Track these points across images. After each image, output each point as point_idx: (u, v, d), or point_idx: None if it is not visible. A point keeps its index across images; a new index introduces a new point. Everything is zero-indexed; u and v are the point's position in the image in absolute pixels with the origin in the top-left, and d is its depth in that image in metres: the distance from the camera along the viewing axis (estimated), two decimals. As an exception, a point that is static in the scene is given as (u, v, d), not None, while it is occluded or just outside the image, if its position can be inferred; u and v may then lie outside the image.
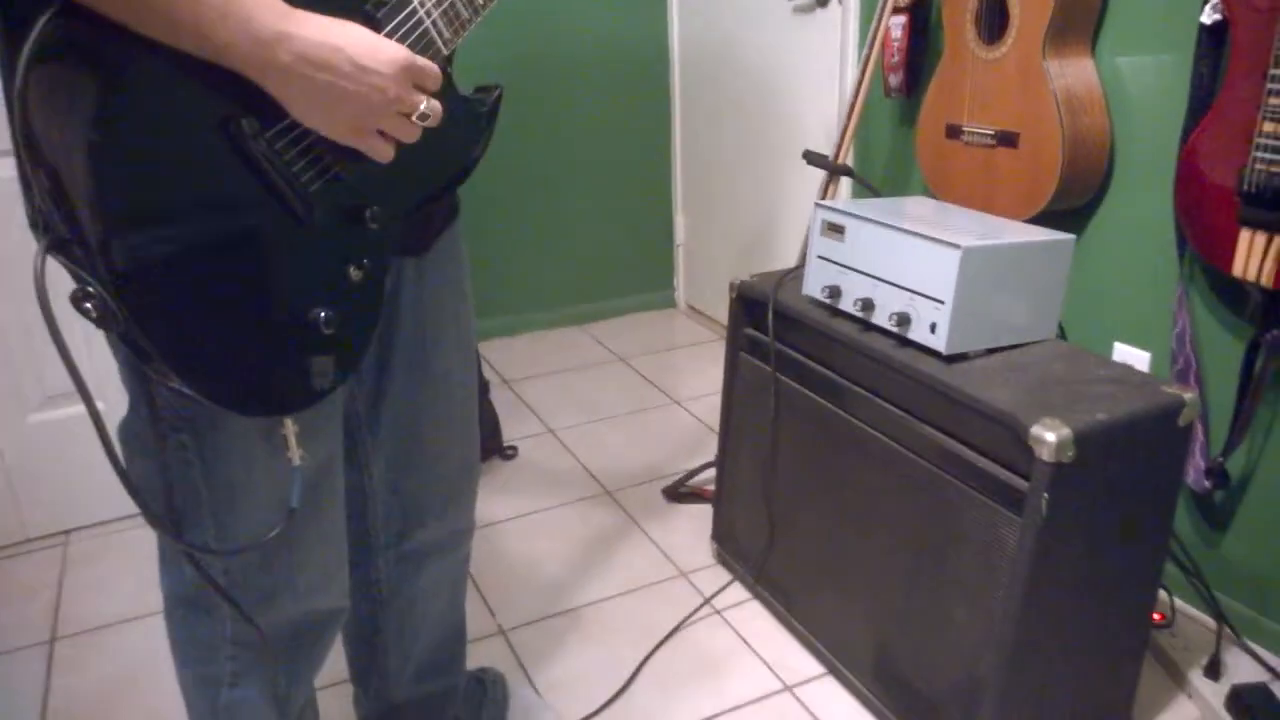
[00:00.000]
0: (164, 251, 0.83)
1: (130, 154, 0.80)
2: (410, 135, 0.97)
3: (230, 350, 0.90)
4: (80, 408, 2.17)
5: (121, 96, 0.80)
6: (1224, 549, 1.87)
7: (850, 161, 2.51)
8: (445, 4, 1.00)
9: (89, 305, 0.81)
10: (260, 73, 0.86)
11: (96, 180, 0.79)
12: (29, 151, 0.80)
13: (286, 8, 0.86)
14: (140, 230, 0.82)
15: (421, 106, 0.95)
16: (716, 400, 2.11)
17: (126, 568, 2.18)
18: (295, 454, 1.05)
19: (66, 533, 2.33)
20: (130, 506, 2.30)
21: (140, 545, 2.27)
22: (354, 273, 0.99)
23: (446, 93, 1.01)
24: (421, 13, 0.98)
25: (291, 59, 0.86)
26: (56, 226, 0.82)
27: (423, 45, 0.99)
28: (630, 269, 3.76)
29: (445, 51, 1.02)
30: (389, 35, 0.96)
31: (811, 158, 2.17)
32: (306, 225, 0.94)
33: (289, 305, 0.94)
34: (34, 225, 0.86)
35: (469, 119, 1.07)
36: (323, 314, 0.95)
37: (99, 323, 0.82)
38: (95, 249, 0.80)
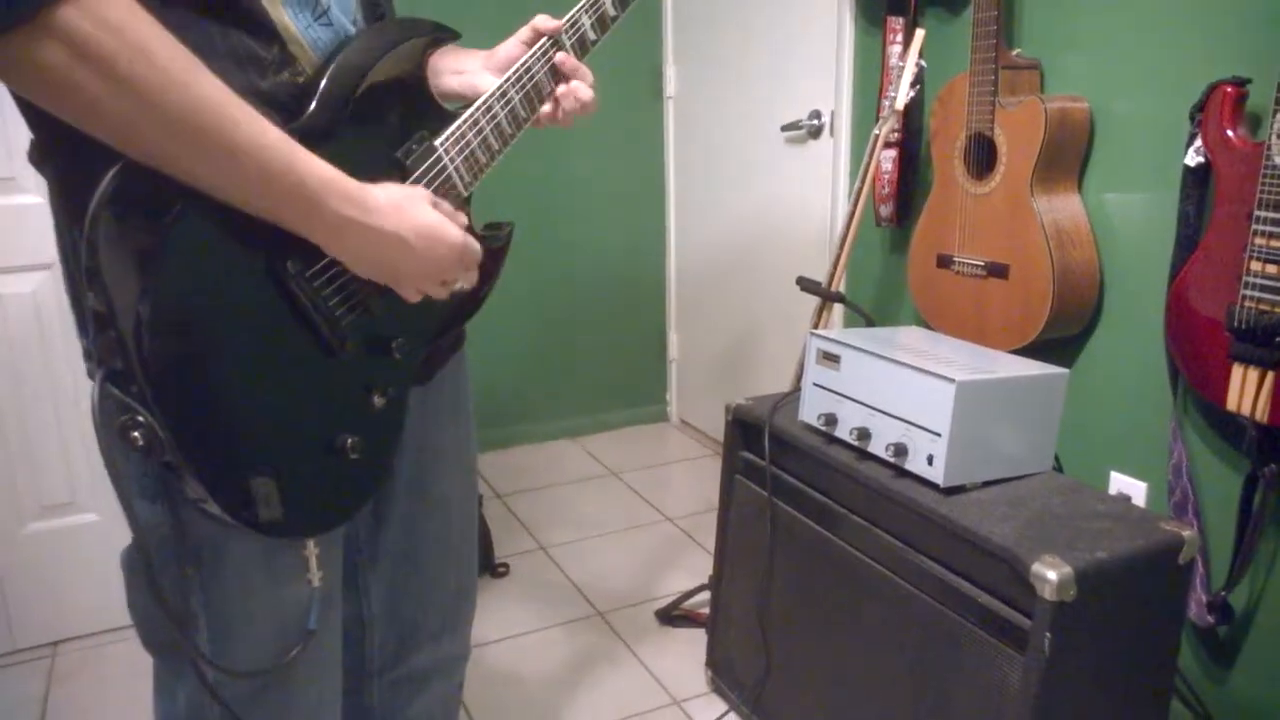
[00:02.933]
0: (213, 383, 0.87)
1: (182, 295, 0.84)
2: (441, 296, 1.04)
3: (268, 478, 0.93)
4: (76, 518, 2.22)
5: (176, 242, 0.84)
6: (1231, 685, 1.84)
7: (843, 288, 2.55)
8: (466, 151, 1.06)
9: (136, 434, 0.83)
10: (324, 242, 0.92)
11: (151, 320, 0.82)
12: (91, 290, 0.83)
13: (357, 191, 0.92)
14: (190, 365, 0.85)
15: (460, 284, 1.05)
16: (710, 517, 2.10)
17: (112, 682, 2.15)
18: (315, 575, 1.07)
19: (54, 644, 2.29)
20: (117, 620, 2.29)
21: (126, 659, 2.23)
22: (378, 400, 1.02)
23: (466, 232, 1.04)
24: (446, 160, 1.04)
25: (358, 242, 0.93)
26: (110, 359, 0.85)
27: (446, 188, 1.04)
28: (623, 383, 3.78)
29: (465, 194, 1.07)
30: (416, 181, 1.01)
31: (805, 284, 2.19)
32: (338, 357, 0.98)
33: (320, 432, 0.98)
34: (88, 358, 0.90)
35: (485, 256, 1.11)
36: (349, 439, 0.99)
37: (145, 451, 0.84)
38: (145, 382, 0.83)
